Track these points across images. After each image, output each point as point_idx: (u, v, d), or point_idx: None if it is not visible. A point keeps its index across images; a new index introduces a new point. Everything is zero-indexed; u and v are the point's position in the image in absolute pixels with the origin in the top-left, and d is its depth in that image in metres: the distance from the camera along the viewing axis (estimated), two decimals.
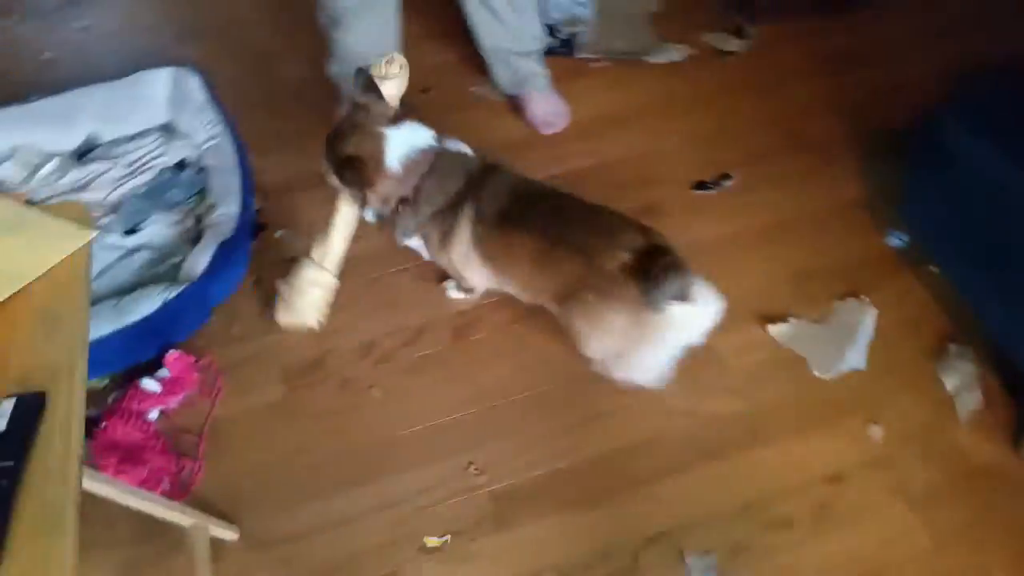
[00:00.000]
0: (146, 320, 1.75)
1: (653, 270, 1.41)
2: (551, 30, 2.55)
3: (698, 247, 1.99)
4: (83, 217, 1.13)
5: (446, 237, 1.69)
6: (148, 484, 1.64)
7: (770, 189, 2.13)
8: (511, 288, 1.75)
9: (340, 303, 1.95)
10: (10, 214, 1.12)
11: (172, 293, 1.78)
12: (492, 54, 2.30)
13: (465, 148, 1.72)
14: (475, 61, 2.41)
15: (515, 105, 2.39)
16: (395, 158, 1.60)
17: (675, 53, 2.50)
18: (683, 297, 1.44)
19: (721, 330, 1.83)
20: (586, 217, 1.58)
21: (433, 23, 2.63)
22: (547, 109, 2.33)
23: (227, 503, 1.65)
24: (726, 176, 2.16)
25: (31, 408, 0.91)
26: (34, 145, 2.26)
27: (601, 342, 1.61)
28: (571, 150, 2.28)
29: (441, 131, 1.71)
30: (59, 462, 0.89)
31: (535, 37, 2.29)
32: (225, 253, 1.87)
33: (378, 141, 1.59)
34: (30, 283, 1.04)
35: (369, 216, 1.79)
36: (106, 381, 1.83)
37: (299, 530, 1.62)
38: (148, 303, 1.77)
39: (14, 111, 2.29)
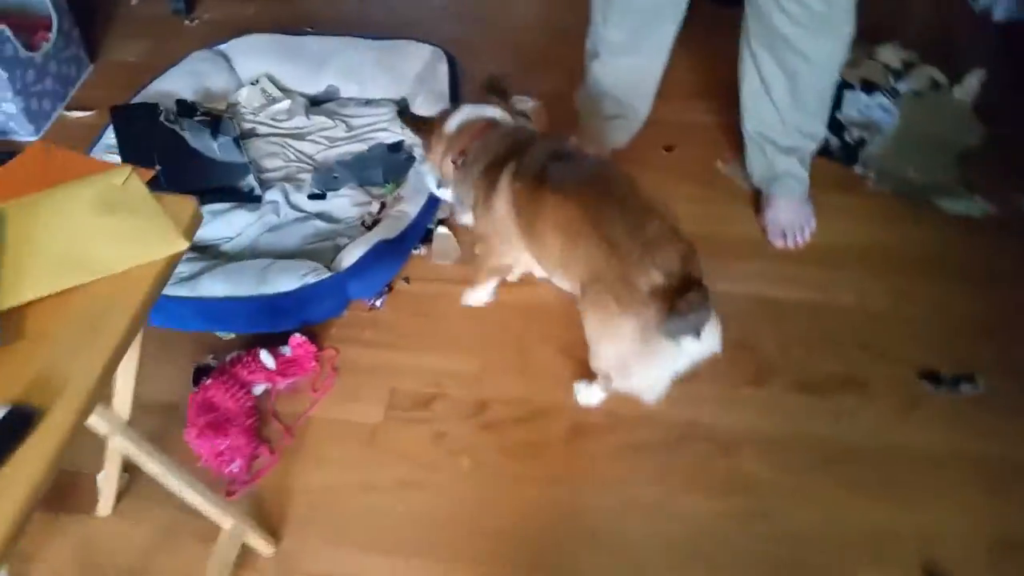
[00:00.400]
0: (280, 296, 1.72)
1: (681, 304, 1.35)
2: (836, 126, 2.20)
3: (890, 450, 1.64)
4: (190, 222, 1.06)
5: (488, 198, 1.65)
6: (222, 458, 1.61)
7: (1016, 416, 1.68)
8: (547, 267, 1.65)
9: (476, 349, 1.82)
10: (127, 194, 1.06)
11: (312, 279, 1.73)
12: (752, 138, 2.01)
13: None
14: (734, 133, 2.12)
15: (757, 199, 2.09)
16: (454, 123, 1.71)
17: (974, 206, 2.05)
18: (697, 333, 1.39)
19: (871, 565, 1.51)
20: (631, 208, 1.48)
21: (702, 79, 2.37)
22: (790, 219, 2.01)
23: (278, 510, 1.59)
24: (968, 378, 1.73)
25: (17, 424, 0.85)
26: (280, 78, 2.32)
27: (608, 351, 1.55)
28: (796, 274, 1.95)
29: (668, 198, 1.64)
30: (5, 496, 0.81)
31: (810, 137, 1.96)
32: (379, 253, 1.79)
33: (451, 111, 1.75)
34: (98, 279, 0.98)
35: (433, 186, 1.85)
36: (231, 335, 1.84)
37: (330, 572, 1.52)
38: (288, 280, 1.73)
39: (280, 40, 2.36)
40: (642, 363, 1.50)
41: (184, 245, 0.99)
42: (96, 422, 1.21)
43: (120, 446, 1.29)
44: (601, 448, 1.67)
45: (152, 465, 1.31)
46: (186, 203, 1.04)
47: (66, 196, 1.04)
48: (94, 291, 0.97)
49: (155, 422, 1.69)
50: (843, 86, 2.29)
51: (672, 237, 1.44)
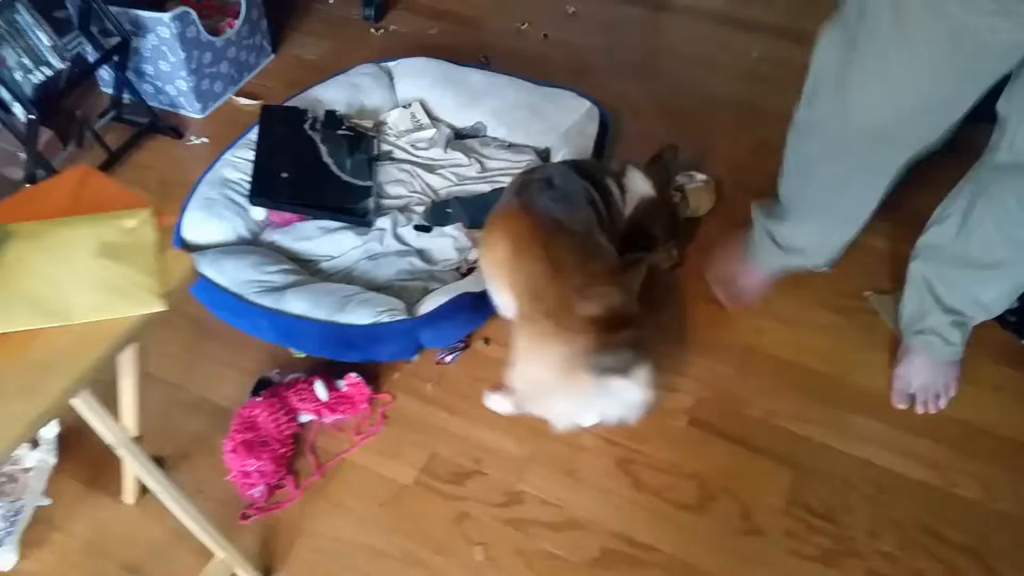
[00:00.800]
0: (351, 327, 1.68)
1: (614, 339, 1.38)
2: None
3: None
4: (182, 279, 1.01)
5: None
6: (247, 479, 1.60)
7: None
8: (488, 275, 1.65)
9: (531, 432, 1.70)
10: (132, 239, 1.01)
11: (386, 318, 1.69)
12: (915, 280, 1.72)
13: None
14: (901, 266, 1.81)
15: (897, 345, 1.81)
16: None
17: None
18: (625, 374, 1.37)
19: None
20: (583, 244, 1.53)
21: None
22: (925, 381, 1.71)
23: (283, 547, 1.54)
24: None
25: None
26: (432, 106, 2.31)
27: (530, 371, 1.51)
28: (918, 447, 1.66)
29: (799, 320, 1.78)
30: None
31: (984, 309, 1.63)
32: (459, 305, 1.72)
33: None
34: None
35: None
36: (303, 355, 1.83)
37: None
38: (364, 314, 1.69)
39: (444, 67, 2.37)
40: (560, 390, 1.46)
41: (161, 307, 0.95)
42: (105, 434, 1.22)
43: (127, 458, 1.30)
44: None
45: (152, 483, 1.31)
46: (183, 259, 1.01)
47: (74, 231, 1.03)
48: (54, 336, 0.94)
49: (205, 423, 1.72)
50: None
51: (616, 276, 1.50)
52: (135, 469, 1.29)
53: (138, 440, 1.31)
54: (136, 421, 1.31)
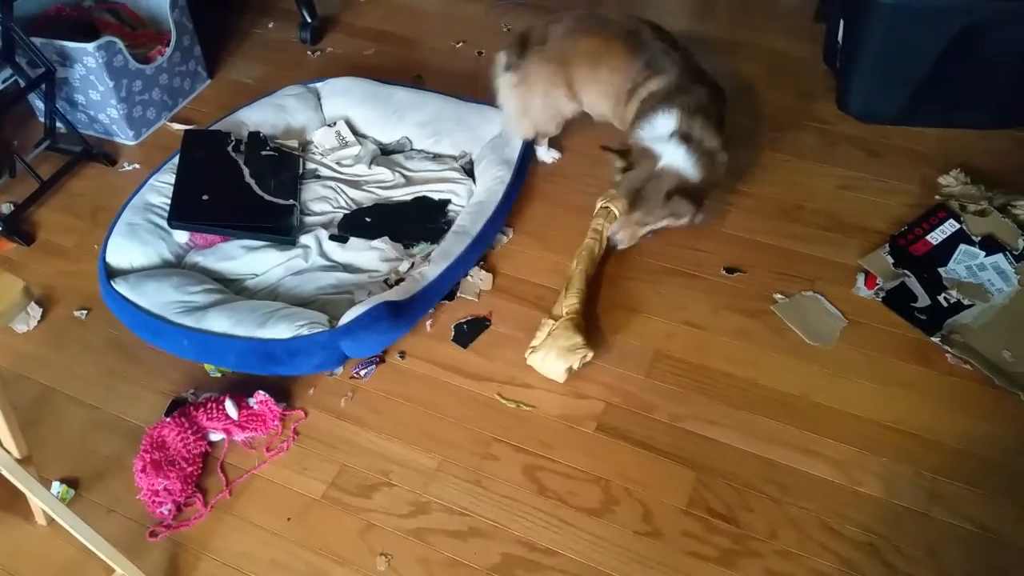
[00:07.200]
0: (273, 342, 1.71)
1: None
2: (935, 283, 1.89)
3: None
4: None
5: None
6: (156, 498, 1.63)
7: None
8: None
9: (440, 444, 1.72)
10: None
11: (306, 331, 1.72)
12: None
13: None
14: (810, 270, 1.86)
15: (804, 348, 1.83)
16: None
17: None
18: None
19: None
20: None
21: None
22: None
23: (188, 564, 1.56)
24: None
25: None
26: (358, 123, 2.35)
27: None
28: (821, 446, 1.67)
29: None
30: None
31: None
32: (380, 314, 1.73)
33: None
34: None
35: None
36: (219, 374, 1.86)
37: None
38: (284, 328, 1.72)
39: (370, 86, 2.41)
40: None
41: None
42: None
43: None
44: None
45: (40, 503, 1.34)
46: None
47: None
48: None
49: (120, 444, 1.75)
50: (959, 238, 1.97)
51: None
52: (24, 490, 1.32)
53: (24, 461, 1.34)
54: (18, 443, 1.34)
